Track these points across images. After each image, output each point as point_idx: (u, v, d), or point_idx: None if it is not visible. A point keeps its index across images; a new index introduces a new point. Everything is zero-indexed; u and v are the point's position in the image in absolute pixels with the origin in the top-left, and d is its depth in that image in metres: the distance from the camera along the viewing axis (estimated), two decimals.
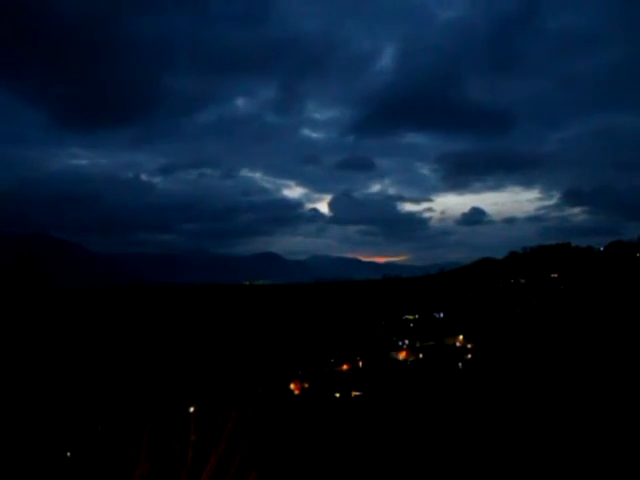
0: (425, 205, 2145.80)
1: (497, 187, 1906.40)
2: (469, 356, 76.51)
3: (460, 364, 71.32)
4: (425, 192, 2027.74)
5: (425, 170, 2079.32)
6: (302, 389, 67.19)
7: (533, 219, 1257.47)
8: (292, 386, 67.73)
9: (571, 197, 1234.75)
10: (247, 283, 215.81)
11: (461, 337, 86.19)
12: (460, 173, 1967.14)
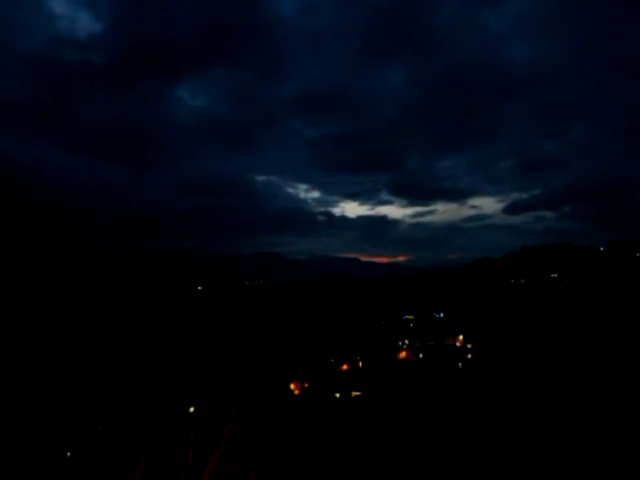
0: (426, 208, 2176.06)
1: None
2: (469, 356, 76.45)
3: (460, 364, 71.25)
4: (425, 197, 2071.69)
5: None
6: (302, 389, 67.15)
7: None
8: (292, 386, 67.72)
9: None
10: (247, 283, 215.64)
11: (461, 337, 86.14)
12: None
